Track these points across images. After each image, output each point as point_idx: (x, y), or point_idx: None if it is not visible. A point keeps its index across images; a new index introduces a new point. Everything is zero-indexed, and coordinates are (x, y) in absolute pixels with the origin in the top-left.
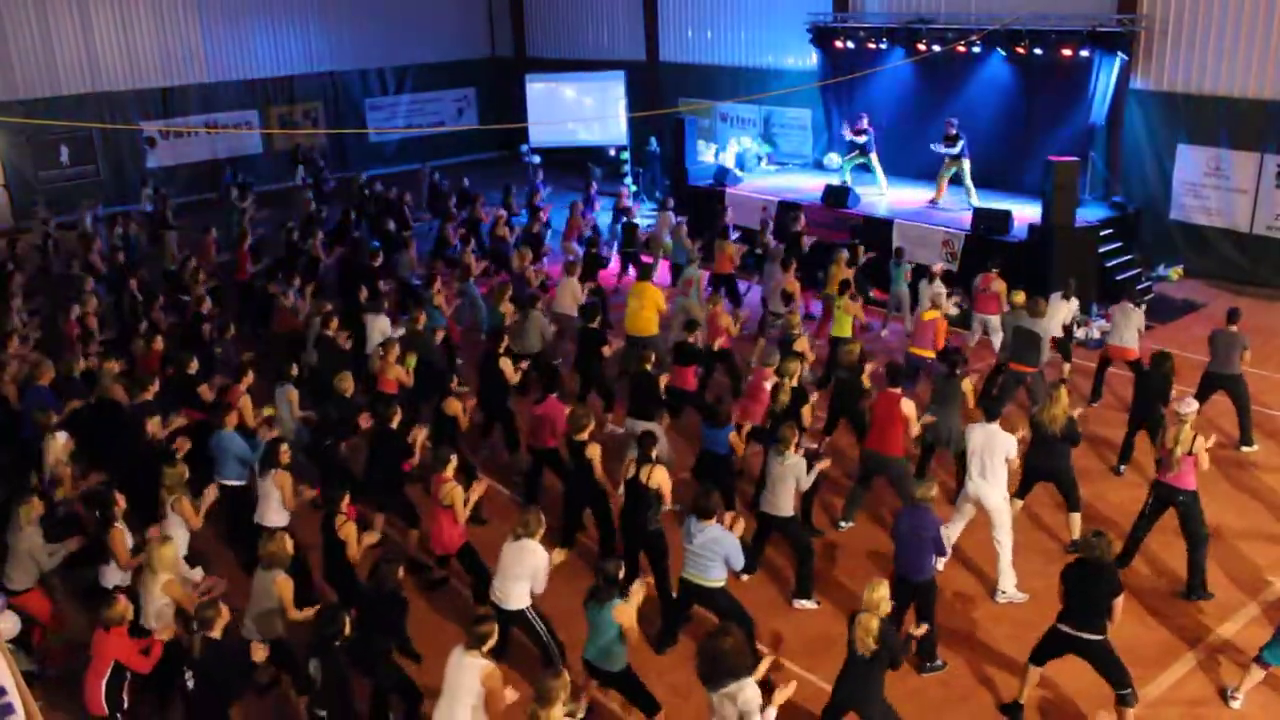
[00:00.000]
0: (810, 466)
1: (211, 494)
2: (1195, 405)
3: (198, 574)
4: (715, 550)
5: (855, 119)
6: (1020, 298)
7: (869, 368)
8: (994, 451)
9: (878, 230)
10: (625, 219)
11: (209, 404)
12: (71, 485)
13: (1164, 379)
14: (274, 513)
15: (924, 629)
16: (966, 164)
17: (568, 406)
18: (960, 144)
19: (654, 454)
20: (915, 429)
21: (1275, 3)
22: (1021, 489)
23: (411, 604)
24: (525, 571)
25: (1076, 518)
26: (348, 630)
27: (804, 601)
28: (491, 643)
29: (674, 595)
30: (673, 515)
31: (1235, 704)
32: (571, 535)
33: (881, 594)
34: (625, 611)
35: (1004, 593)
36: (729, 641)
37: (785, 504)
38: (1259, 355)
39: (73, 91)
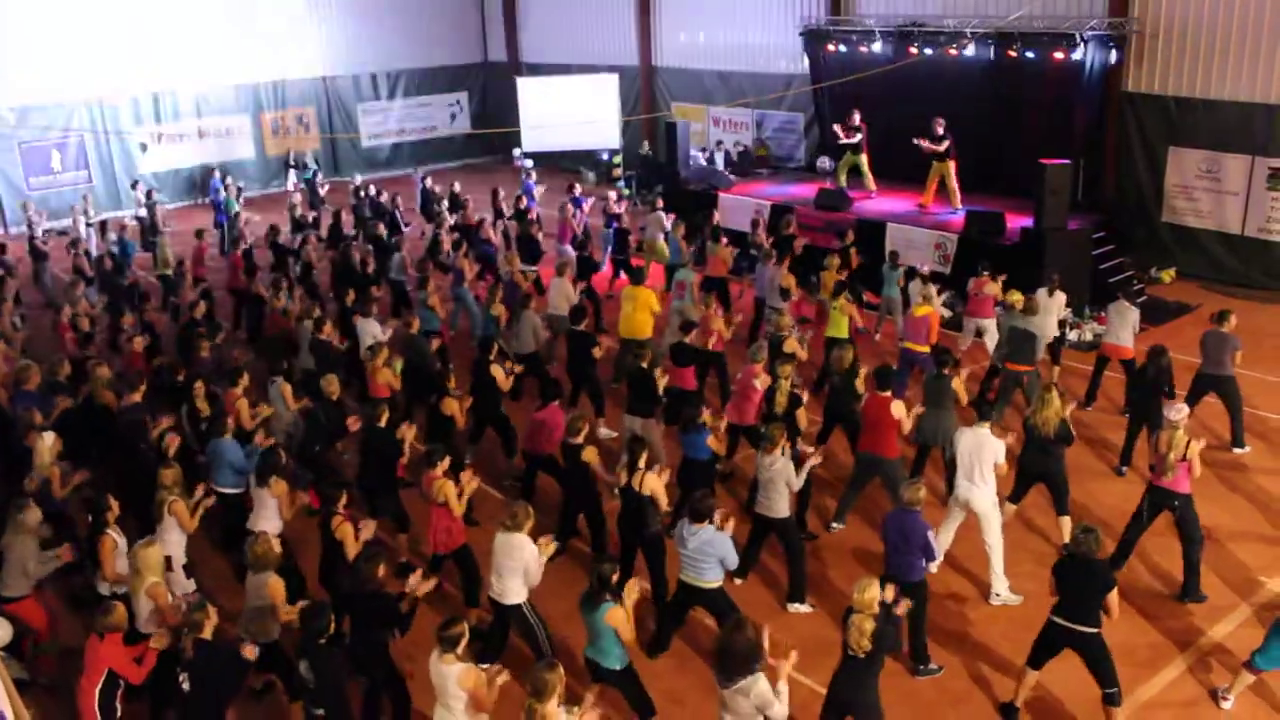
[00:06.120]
0: (798, 467)
1: (204, 495)
2: (1186, 410)
3: (191, 585)
4: (709, 552)
5: (847, 117)
6: (1016, 297)
7: (862, 372)
8: (983, 456)
9: (870, 233)
10: (616, 224)
11: (206, 415)
12: (60, 485)
13: (1162, 373)
14: (267, 521)
15: (905, 603)
16: (951, 166)
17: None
18: (946, 144)
19: (642, 462)
20: (907, 428)
21: (1266, 6)
22: (1015, 493)
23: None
24: (518, 564)
25: (1066, 521)
26: (332, 628)
27: (798, 605)
28: (464, 644)
29: (670, 599)
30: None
31: (1226, 705)
32: (565, 538)
33: (873, 594)
34: (617, 615)
35: (998, 595)
36: (742, 635)
37: (780, 505)
38: (1250, 357)
39: (65, 98)
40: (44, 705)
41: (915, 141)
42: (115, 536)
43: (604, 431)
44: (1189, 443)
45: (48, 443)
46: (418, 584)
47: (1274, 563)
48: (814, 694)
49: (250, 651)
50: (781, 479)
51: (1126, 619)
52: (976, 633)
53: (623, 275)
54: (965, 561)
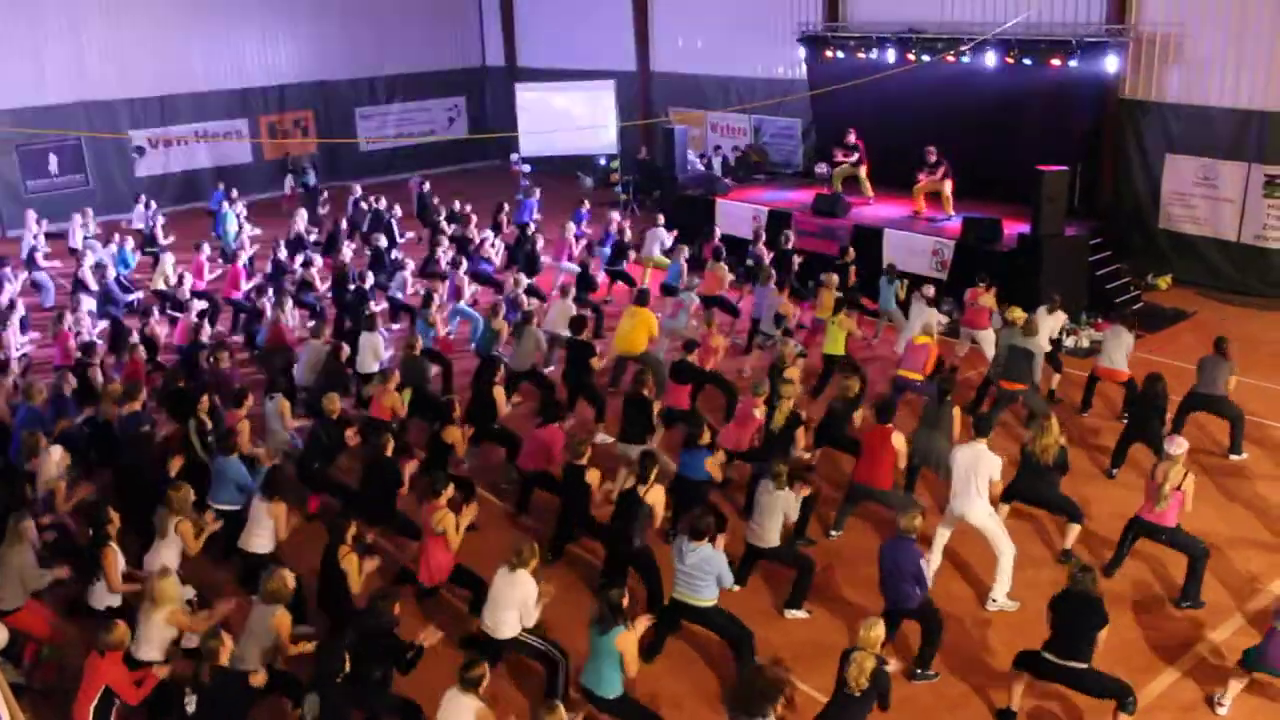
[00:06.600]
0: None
1: (213, 524)
2: (1185, 445)
3: (189, 591)
4: (706, 570)
5: (843, 136)
6: (1019, 314)
7: (862, 413)
8: (979, 470)
9: (867, 240)
10: (616, 237)
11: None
12: (64, 499)
13: (1158, 397)
14: (260, 538)
15: (894, 664)
16: (948, 185)
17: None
18: (942, 170)
19: (654, 473)
20: (903, 462)
21: (1264, 14)
22: (1004, 496)
23: (403, 616)
24: (515, 602)
25: (1076, 529)
26: (347, 667)
27: (795, 611)
28: (484, 685)
29: (663, 614)
30: (659, 535)
31: (1222, 710)
32: (560, 549)
33: (878, 633)
34: (628, 640)
35: (994, 600)
36: (764, 678)
37: (772, 535)
38: (1246, 363)
39: (61, 101)
40: (39, 710)
41: (919, 177)
42: (116, 549)
43: (601, 437)
44: (1186, 475)
45: (55, 456)
46: (428, 637)
47: (1271, 568)
48: (809, 699)
49: (259, 679)
50: (780, 508)
51: (1124, 624)
52: (973, 638)
53: (619, 284)
54: (962, 568)
